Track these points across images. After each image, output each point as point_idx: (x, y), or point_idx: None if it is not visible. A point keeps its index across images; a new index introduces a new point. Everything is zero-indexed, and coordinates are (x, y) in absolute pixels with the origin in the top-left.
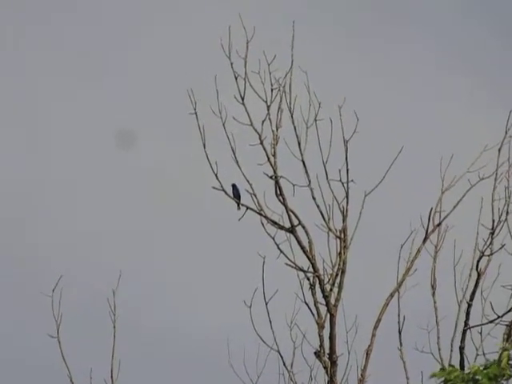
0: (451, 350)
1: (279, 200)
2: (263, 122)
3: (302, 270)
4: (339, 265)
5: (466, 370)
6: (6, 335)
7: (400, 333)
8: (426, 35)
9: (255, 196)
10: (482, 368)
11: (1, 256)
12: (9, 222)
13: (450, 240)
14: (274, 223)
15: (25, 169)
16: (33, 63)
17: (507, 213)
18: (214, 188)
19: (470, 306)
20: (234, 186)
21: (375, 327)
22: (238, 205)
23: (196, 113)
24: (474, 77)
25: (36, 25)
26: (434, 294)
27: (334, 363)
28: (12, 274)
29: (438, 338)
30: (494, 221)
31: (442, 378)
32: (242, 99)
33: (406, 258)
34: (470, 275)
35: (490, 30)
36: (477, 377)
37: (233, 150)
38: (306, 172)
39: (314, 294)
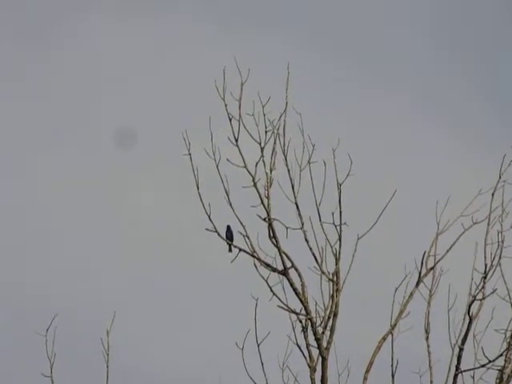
0: None
1: (272, 242)
2: (257, 163)
3: (294, 312)
4: (331, 308)
5: None
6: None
7: (393, 376)
8: (417, 86)
9: (248, 238)
10: None
11: None
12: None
13: (445, 284)
14: (267, 265)
15: (25, 167)
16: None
17: (500, 257)
18: (207, 230)
19: (461, 350)
20: (228, 227)
21: (367, 370)
22: (230, 247)
23: (190, 154)
24: (470, 122)
25: (35, 31)
26: (427, 337)
27: None
28: (6, 313)
29: (431, 382)
30: (486, 265)
31: None
32: (236, 141)
33: (401, 301)
34: (463, 319)
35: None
36: None
37: (226, 192)
38: (299, 214)
39: (306, 337)
